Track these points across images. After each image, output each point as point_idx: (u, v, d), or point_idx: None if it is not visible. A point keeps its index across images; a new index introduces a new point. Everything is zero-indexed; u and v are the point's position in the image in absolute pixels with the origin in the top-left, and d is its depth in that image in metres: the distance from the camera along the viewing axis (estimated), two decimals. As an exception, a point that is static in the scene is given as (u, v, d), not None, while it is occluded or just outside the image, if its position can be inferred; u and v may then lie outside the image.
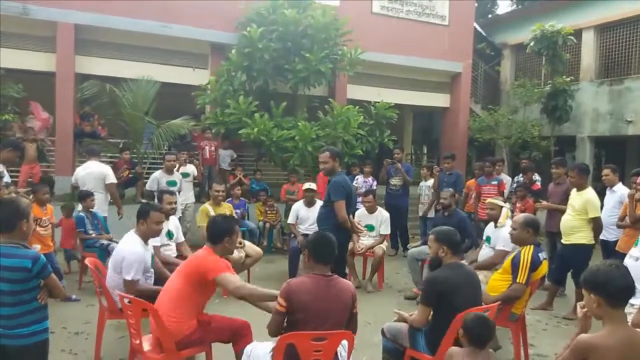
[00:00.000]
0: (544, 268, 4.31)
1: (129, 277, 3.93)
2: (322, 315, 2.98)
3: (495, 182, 8.20)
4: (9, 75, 8.97)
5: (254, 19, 9.74)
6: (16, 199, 3.06)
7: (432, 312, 3.43)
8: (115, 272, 4.08)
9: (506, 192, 8.36)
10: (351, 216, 5.05)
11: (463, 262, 4.59)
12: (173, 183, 7.43)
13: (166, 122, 9.68)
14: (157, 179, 7.43)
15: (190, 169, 8.69)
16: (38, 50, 9.61)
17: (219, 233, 3.46)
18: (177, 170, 8.27)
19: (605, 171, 6.28)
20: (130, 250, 4.03)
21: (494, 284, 4.41)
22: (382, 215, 6.97)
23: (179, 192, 7.43)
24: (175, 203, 5.89)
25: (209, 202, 6.68)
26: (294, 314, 3.00)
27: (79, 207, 6.64)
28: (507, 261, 4.34)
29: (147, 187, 7.47)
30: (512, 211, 6.37)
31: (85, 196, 6.37)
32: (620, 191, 6.06)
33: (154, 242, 4.84)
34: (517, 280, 4.14)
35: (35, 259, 2.72)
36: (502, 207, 5.47)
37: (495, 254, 5.13)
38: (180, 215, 7.47)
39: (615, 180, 6.18)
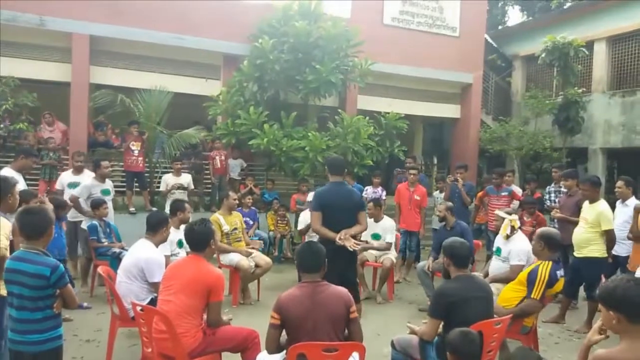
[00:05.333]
0: (559, 285, 4.30)
1: (157, 279, 3.99)
2: (313, 322, 3.01)
3: (504, 193, 8.17)
4: (23, 84, 9.12)
5: (266, 31, 9.84)
6: (45, 207, 3.12)
7: (443, 324, 3.41)
8: (129, 279, 4.12)
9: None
10: (351, 230, 4.60)
11: (475, 273, 4.58)
12: (107, 192, 6.87)
13: (178, 132, 9.77)
14: (89, 187, 6.76)
15: (186, 179, 8.51)
16: (53, 61, 9.77)
17: (202, 240, 3.54)
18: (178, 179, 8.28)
19: (619, 183, 6.09)
20: (151, 255, 4.14)
21: (506, 295, 4.39)
22: (388, 224, 6.96)
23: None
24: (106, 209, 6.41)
25: (219, 211, 6.69)
26: (289, 326, 3.06)
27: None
28: (524, 273, 4.34)
29: (76, 194, 6.70)
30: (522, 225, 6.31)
31: (98, 204, 6.43)
32: (633, 205, 5.95)
33: (164, 251, 4.92)
34: (532, 296, 4.12)
35: (54, 267, 2.77)
36: (503, 218, 5.47)
37: (511, 269, 5.10)
38: None
39: (628, 194, 5.98)
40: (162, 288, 3.52)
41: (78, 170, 7.14)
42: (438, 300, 3.40)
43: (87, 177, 7.03)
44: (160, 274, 3.98)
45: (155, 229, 4.30)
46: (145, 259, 4.11)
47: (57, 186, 7.16)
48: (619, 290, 2.16)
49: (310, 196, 7.32)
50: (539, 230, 4.57)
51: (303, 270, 3.23)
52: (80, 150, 8.23)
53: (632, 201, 5.96)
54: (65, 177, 7.15)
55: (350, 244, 4.40)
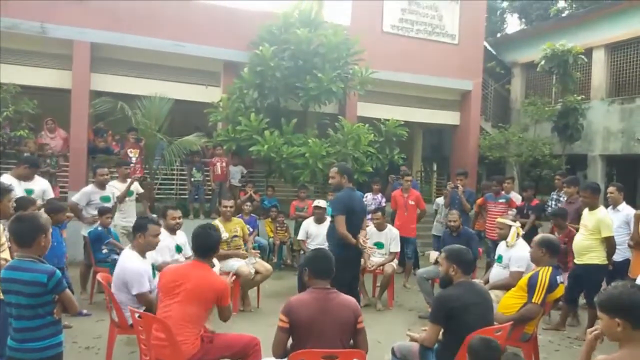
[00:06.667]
0: (559, 291, 4.31)
1: (134, 292, 4.00)
2: (321, 329, 3.01)
3: (502, 200, 8.18)
4: (23, 91, 9.14)
5: (266, 38, 9.87)
6: (36, 214, 3.10)
7: (443, 331, 3.40)
8: (119, 290, 4.14)
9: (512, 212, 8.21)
10: (361, 234, 4.96)
11: (476, 280, 4.58)
12: (107, 199, 6.84)
13: (178, 139, 9.78)
14: (88, 193, 6.74)
15: (133, 185, 7.46)
16: (54, 68, 9.78)
17: (212, 246, 3.57)
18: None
19: (611, 189, 6.13)
20: (127, 266, 4.10)
21: (507, 301, 4.39)
22: (392, 233, 6.96)
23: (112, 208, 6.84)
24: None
25: (219, 218, 6.69)
26: (297, 330, 3.05)
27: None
28: (524, 279, 4.34)
29: (75, 200, 6.66)
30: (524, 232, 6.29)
31: (102, 213, 6.42)
32: (625, 211, 5.96)
33: (164, 257, 4.94)
34: (533, 300, 4.13)
35: (50, 273, 2.75)
36: (510, 226, 5.46)
37: (511, 275, 5.10)
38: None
39: (619, 199, 6.06)
40: (163, 294, 3.48)
41: (27, 177, 6.14)
42: (439, 306, 3.39)
43: (38, 183, 6.29)
44: (138, 284, 3.99)
45: (134, 235, 4.28)
46: (129, 271, 4.06)
47: (80, 200, 6.69)
48: (624, 296, 2.16)
49: (317, 202, 7.32)
50: (538, 237, 4.55)
51: (314, 275, 3.19)
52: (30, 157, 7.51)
53: (624, 207, 6.02)
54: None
55: (368, 248, 4.64)
